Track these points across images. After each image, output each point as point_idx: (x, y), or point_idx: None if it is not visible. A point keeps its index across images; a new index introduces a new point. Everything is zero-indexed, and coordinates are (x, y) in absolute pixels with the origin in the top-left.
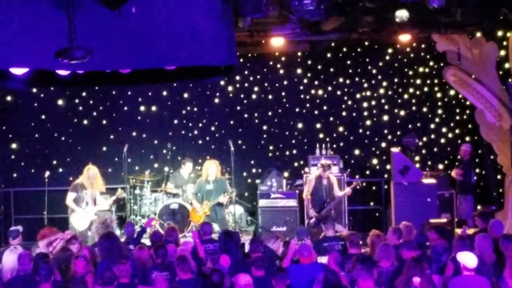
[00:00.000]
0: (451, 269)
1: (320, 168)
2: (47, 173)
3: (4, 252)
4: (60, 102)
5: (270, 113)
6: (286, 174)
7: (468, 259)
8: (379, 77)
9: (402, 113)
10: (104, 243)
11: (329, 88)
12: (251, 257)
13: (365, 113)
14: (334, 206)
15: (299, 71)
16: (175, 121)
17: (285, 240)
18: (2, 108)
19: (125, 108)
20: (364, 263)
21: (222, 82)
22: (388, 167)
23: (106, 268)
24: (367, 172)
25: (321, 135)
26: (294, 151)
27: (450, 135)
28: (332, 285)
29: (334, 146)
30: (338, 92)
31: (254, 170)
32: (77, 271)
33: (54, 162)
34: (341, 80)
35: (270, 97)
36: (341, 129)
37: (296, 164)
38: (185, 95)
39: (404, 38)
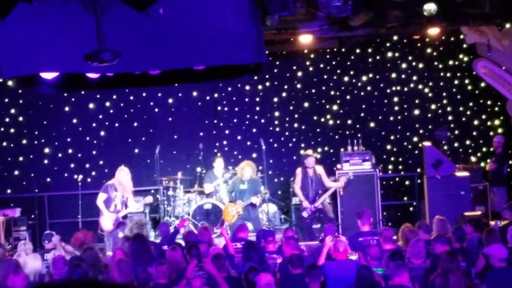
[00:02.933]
0: (482, 262)
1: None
2: (80, 177)
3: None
4: (91, 105)
5: (300, 111)
6: None
7: (497, 251)
8: (409, 71)
9: (433, 106)
10: (133, 244)
11: (359, 84)
12: (286, 256)
13: (396, 108)
14: (328, 197)
15: (328, 67)
16: (206, 121)
17: (320, 238)
18: (34, 113)
19: (156, 110)
20: (395, 259)
21: (251, 81)
22: (420, 161)
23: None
24: (400, 167)
25: (352, 131)
26: (326, 148)
27: (482, 127)
28: (367, 280)
29: (366, 141)
30: (368, 88)
31: (286, 168)
32: None
33: (87, 165)
34: (370, 75)
35: (300, 94)
36: (372, 124)
37: (328, 160)
38: (215, 95)
39: (433, 31)
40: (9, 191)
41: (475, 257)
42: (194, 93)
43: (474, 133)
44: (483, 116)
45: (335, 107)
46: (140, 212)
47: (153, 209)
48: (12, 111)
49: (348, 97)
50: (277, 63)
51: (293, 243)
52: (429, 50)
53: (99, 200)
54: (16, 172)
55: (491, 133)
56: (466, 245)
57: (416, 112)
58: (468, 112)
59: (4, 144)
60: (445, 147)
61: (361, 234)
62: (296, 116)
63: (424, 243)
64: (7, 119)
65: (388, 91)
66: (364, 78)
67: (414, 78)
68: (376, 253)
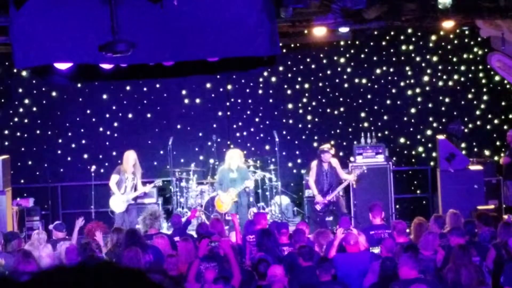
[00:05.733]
0: (492, 255)
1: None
2: (93, 167)
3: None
4: (104, 96)
5: (314, 103)
6: None
7: None
8: (423, 64)
9: (447, 100)
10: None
11: (373, 77)
12: (296, 248)
13: (410, 101)
14: (342, 190)
15: (342, 60)
16: (219, 113)
17: (332, 231)
18: (48, 103)
19: (169, 101)
20: (407, 251)
21: (265, 73)
22: (434, 154)
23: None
24: (413, 160)
25: (365, 124)
26: (339, 141)
27: (496, 121)
28: (389, 272)
29: (379, 134)
30: (382, 81)
31: (299, 160)
32: None
33: (100, 156)
34: (384, 68)
35: (313, 87)
36: (385, 117)
37: (341, 153)
38: (229, 87)
39: (448, 24)
40: (22, 181)
41: (486, 251)
42: (208, 85)
43: (488, 127)
44: (497, 110)
45: (348, 100)
46: (154, 203)
47: (166, 200)
48: (26, 101)
49: (361, 89)
50: (291, 55)
51: (304, 235)
52: (443, 43)
53: (111, 181)
54: (30, 162)
55: (505, 127)
56: (477, 239)
57: (430, 105)
58: (482, 106)
59: (18, 134)
60: (459, 141)
61: (372, 228)
62: (309, 108)
63: (434, 235)
64: (20, 109)
65: (402, 84)
66: (378, 71)
67: (428, 71)
68: (391, 246)
